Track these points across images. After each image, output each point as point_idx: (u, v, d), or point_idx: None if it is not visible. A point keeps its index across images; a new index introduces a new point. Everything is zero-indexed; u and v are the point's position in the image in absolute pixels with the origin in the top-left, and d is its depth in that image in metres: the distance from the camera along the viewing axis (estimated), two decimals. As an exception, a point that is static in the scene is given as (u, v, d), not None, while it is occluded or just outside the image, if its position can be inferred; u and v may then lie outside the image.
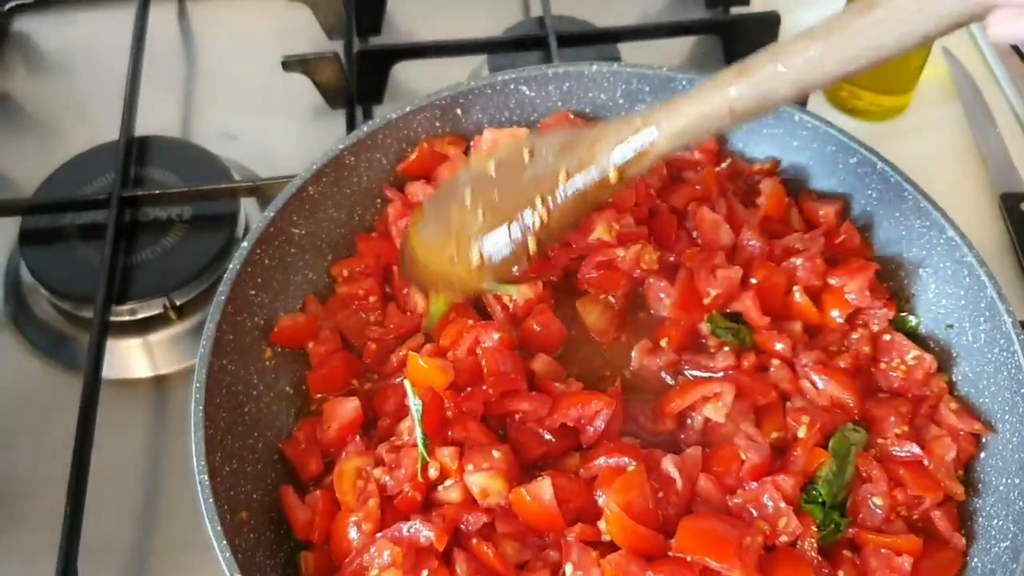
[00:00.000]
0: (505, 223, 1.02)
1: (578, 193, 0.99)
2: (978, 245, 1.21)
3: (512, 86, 1.27)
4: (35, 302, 1.35)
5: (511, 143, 1.15)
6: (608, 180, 0.97)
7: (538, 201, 1.00)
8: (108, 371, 1.26)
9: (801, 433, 1.04)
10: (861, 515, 1.01)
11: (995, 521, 1.01)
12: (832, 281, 1.16)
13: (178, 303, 1.31)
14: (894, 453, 1.05)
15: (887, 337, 1.14)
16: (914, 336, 1.16)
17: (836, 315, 1.15)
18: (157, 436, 1.25)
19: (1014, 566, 0.94)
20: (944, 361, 1.14)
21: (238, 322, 1.10)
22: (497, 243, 1.02)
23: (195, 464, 0.98)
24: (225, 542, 0.93)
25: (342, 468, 1.02)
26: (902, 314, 1.18)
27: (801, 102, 1.44)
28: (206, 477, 0.97)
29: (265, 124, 1.56)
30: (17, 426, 1.25)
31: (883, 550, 0.98)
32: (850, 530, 1.00)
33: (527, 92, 1.28)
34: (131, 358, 1.31)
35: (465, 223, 1.05)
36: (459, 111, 1.26)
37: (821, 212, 1.22)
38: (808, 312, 1.15)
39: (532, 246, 1.01)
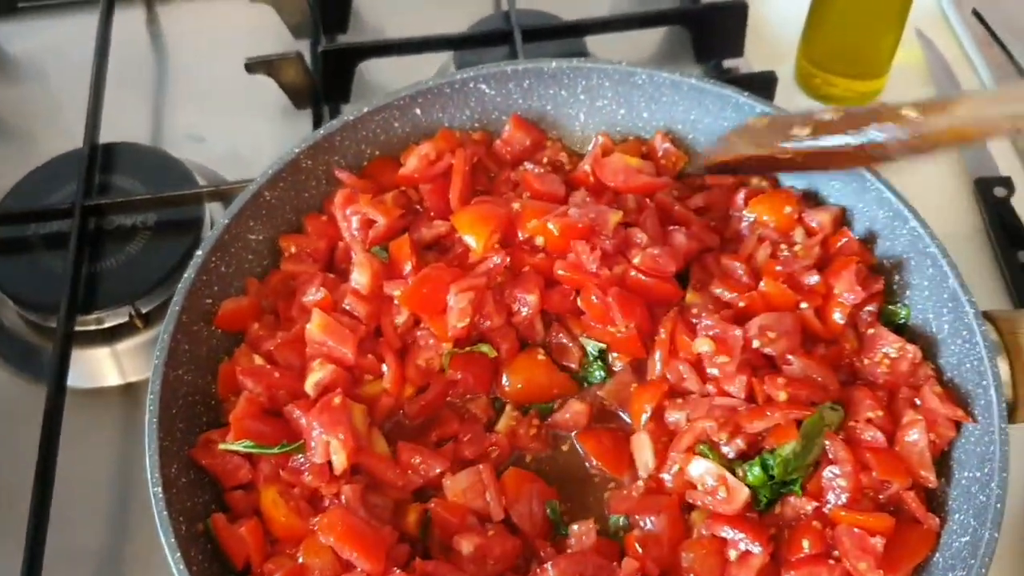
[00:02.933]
0: None
1: None
2: (953, 231, 1.20)
3: (471, 84, 1.26)
4: (2, 313, 1.35)
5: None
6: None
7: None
8: (78, 380, 1.27)
9: (781, 396, 1.03)
10: (826, 495, 1.01)
11: (957, 516, 1.00)
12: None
13: (144, 311, 1.31)
14: (862, 437, 1.04)
15: (871, 331, 1.12)
16: (904, 327, 1.15)
17: (838, 318, 1.12)
18: (128, 443, 1.25)
19: (972, 561, 0.93)
20: (928, 350, 1.11)
21: (194, 332, 1.09)
22: None
23: (149, 476, 0.98)
24: (179, 554, 0.93)
25: (267, 499, 1.01)
26: (892, 306, 1.16)
27: (767, 90, 1.43)
28: (160, 489, 0.97)
29: (234, 126, 1.56)
30: (-13, 438, 1.25)
31: (855, 529, 0.98)
32: (808, 505, 1.01)
33: (487, 90, 1.26)
34: (100, 367, 1.31)
35: None
36: (418, 111, 1.25)
37: (815, 221, 1.19)
38: (817, 329, 1.12)
39: None
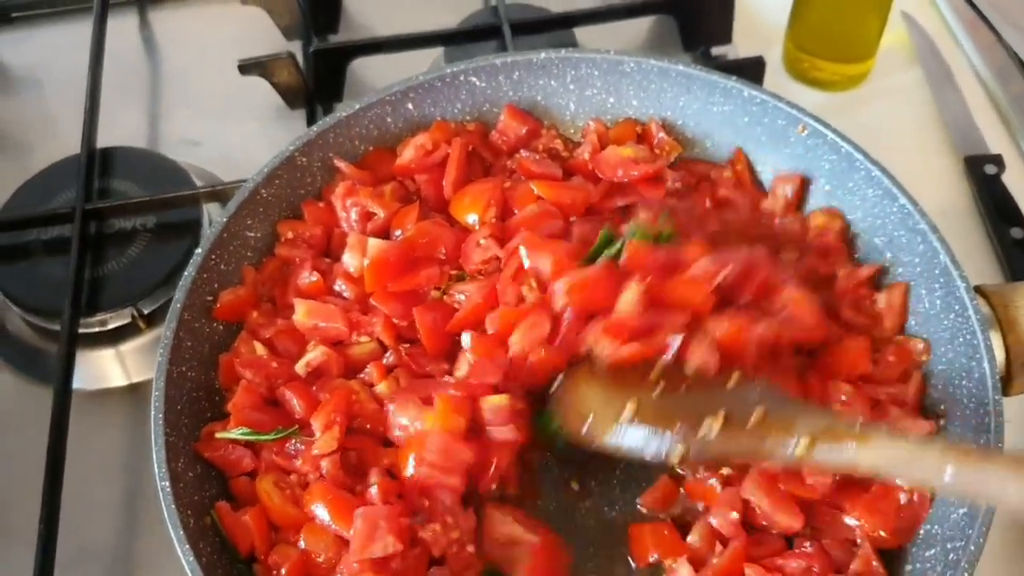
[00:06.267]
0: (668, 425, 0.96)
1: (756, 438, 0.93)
2: (943, 209, 1.20)
3: (462, 78, 1.27)
4: (7, 318, 1.36)
5: None
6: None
7: (717, 419, 0.94)
8: (84, 382, 1.28)
9: None
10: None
11: (953, 486, 1.01)
12: None
13: (146, 311, 1.32)
14: None
15: None
16: None
17: None
18: (135, 443, 1.26)
19: (970, 531, 0.94)
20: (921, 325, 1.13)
21: (196, 328, 1.11)
22: (640, 437, 0.97)
23: (156, 471, 0.99)
24: (188, 546, 0.95)
25: (262, 488, 1.03)
26: None
27: (756, 75, 1.44)
28: (168, 484, 0.98)
29: (229, 129, 1.57)
30: (-4, 442, 1.27)
31: None
32: None
33: (477, 83, 1.28)
34: (104, 368, 1.33)
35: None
36: (410, 105, 1.27)
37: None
38: None
39: (676, 457, 0.95)
